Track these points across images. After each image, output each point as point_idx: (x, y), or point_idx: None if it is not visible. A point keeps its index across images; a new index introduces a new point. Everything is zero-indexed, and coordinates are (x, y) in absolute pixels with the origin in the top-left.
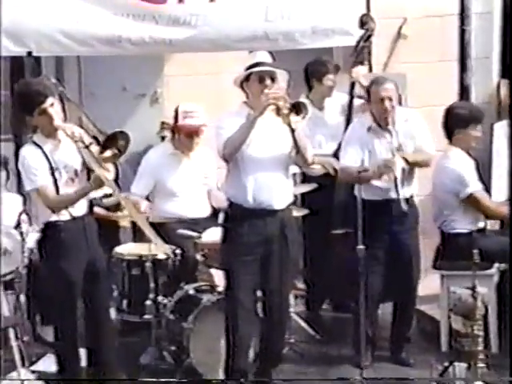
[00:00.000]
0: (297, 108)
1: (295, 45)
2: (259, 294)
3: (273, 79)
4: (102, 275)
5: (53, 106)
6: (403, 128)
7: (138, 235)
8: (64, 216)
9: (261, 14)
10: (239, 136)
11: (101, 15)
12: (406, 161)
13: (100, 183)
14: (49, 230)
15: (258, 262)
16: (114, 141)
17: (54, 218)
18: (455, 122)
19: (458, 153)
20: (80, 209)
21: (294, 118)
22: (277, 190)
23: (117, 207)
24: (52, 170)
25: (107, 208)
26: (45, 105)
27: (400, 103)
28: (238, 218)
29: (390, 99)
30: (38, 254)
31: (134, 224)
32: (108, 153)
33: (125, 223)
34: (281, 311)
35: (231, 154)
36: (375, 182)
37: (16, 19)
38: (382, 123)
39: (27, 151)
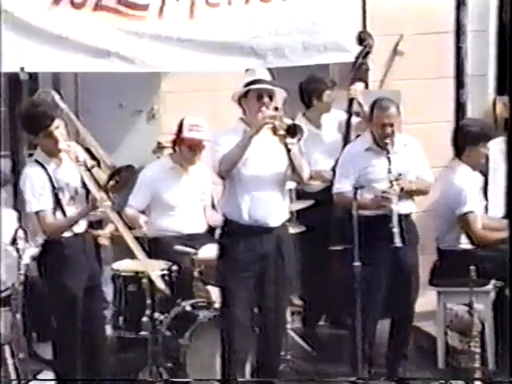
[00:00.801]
0: (292, 130)
1: (286, 62)
2: (255, 310)
3: (271, 97)
4: (99, 291)
5: (58, 128)
6: (402, 153)
7: (118, 253)
8: (66, 232)
9: (245, 29)
10: (235, 153)
11: (89, 30)
12: (402, 189)
13: (96, 206)
14: (50, 246)
15: (254, 278)
16: (119, 172)
17: None
18: (466, 139)
19: (465, 170)
20: (81, 225)
21: (289, 140)
22: (273, 208)
23: (99, 225)
24: (55, 191)
25: (91, 225)
26: (51, 128)
27: None
28: (233, 234)
29: (392, 125)
30: (36, 270)
31: (114, 241)
32: (111, 183)
33: (104, 241)
34: (277, 328)
35: (227, 172)
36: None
37: (8, 35)
38: (381, 143)
39: (31, 171)
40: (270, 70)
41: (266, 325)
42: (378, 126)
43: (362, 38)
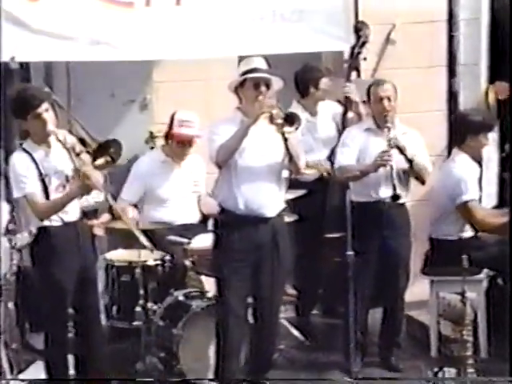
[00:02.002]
0: (290, 119)
1: (273, 49)
2: (250, 300)
3: (268, 86)
4: (94, 282)
5: (47, 111)
6: (402, 140)
7: (113, 243)
8: (56, 221)
9: (230, 16)
10: (232, 143)
11: (77, 18)
12: (403, 153)
13: (87, 189)
14: (40, 235)
15: (249, 268)
16: (106, 149)
17: (46, 222)
18: (468, 129)
19: (465, 159)
20: (72, 215)
21: (287, 128)
22: (268, 197)
23: (94, 214)
24: (41, 177)
25: (85, 214)
26: (40, 109)
27: None
28: (229, 224)
29: (389, 99)
30: (28, 260)
31: (111, 231)
32: (100, 160)
33: (99, 231)
34: (271, 318)
35: (224, 161)
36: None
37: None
38: (381, 123)
39: (16, 158)
40: (266, 58)
41: (261, 314)
42: (376, 102)
43: (359, 28)
